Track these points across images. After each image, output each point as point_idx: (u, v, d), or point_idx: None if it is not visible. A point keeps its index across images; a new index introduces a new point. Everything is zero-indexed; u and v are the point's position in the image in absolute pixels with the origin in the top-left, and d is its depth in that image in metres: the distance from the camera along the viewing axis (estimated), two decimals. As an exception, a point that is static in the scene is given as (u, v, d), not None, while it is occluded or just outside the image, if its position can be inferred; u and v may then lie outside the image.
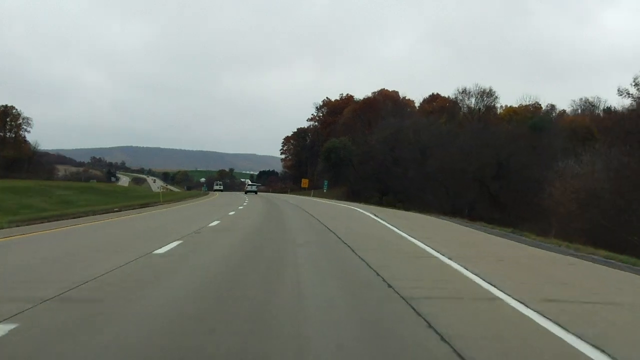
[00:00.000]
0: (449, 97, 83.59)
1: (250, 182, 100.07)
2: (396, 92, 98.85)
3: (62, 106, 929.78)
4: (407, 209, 50.31)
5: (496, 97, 79.69)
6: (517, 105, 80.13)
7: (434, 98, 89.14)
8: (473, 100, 78.09)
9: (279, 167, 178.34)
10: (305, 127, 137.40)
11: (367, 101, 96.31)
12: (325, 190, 73.81)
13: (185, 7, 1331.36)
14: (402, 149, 65.55)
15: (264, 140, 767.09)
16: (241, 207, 28.51)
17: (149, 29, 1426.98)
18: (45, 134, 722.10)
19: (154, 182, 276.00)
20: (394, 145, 66.27)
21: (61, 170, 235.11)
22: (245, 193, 77.01)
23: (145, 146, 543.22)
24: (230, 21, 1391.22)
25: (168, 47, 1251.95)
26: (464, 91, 77.76)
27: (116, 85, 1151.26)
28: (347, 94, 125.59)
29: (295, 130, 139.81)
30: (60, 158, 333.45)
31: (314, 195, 75.33)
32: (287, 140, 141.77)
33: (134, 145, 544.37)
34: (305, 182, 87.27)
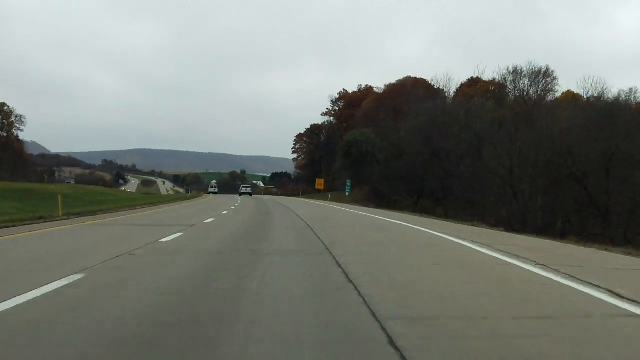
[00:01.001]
0: (494, 79, 67.09)
1: (244, 185, 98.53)
2: (424, 80, 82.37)
3: (76, 109, 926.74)
4: (452, 217, 34.47)
5: (555, 78, 63.17)
6: (577, 91, 63.21)
7: (475, 81, 72.65)
8: (526, 81, 61.55)
9: (292, 170, 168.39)
10: (320, 123, 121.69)
11: (392, 88, 79.97)
12: (348, 193, 57.29)
13: (197, 8, 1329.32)
14: (446, 138, 49.35)
15: (277, 143, 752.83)
16: (176, 236, 12.27)
17: (160, 30, 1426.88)
18: (58, 136, 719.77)
19: (164, 184, 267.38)
20: (432, 134, 50.14)
21: (66, 172, 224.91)
22: (240, 195, 72.36)
23: (159, 149, 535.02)
24: (242, 22, 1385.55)
25: (182, 48, 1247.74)
26: (515, 71, 61.32)
27: (130, 88, 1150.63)
28: (367, 85, 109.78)
29: (309, 127, 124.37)
30: (71, 160, 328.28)
31: (331, 199, 59.38)
32: (299, 137, 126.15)
33: (148, 148, 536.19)
34: (320, 183, 70.83)
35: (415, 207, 55.20)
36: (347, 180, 58.58)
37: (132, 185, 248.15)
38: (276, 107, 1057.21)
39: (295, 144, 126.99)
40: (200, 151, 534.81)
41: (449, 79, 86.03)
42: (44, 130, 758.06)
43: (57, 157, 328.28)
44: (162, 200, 46.13)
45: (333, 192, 70.90)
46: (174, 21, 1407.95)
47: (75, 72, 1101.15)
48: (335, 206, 40.11)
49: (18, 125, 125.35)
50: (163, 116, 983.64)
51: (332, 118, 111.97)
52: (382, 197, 62.52)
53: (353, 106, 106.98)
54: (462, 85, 73.14)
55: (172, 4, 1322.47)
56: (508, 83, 63.43)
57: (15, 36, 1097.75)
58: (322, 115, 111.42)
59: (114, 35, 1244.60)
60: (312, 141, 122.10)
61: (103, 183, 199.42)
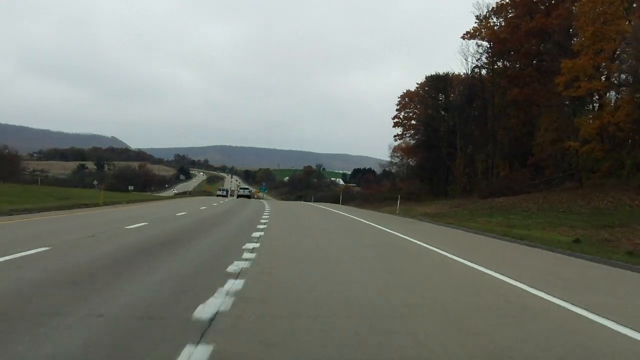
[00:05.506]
0: None
1: (241, 187, 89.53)
2: None
3: (160, 108, 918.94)
4: None
5: None
6: None
7: None
8: None
9: (374, 166, 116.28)
10: (442, 73, 60.05)
11: None
12: None
13: (277, 6, 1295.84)
14: None
15: (357, 141, 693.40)
16: None
17: (244, 30, 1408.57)
18: (141, 133, 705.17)
19: (231, 179, 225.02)
20: None
21: (116, 165, 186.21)
22: (237, 197, 66.64)
23: (239, 146, 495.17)
24: (323, 19, 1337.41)
25: (266, 48, 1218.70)
26: None
27: (213, 86, 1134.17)
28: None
29: (424, 79, 63.60)
30: (140, 155, 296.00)
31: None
32: (407, 98, 65.60)
33: (228, 144, 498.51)
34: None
35: None
36: None
37: (193, 182, 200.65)
38: (356, 107, 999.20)
39: (398, 111, 66.31)
40: (280, 148, 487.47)
41: None
42: (128, 128, 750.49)
43: (126, 150, 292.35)
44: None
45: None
46: (259, 22, 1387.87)
47: (162, 72, 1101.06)
48: None
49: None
50: (245, 114, 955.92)
51: (485, 43, 49.98)
52: None
53: (531, 13, 46.09)
54: None
55: (256, 5, 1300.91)
56: None
57: (102, 39, 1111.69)
58: (463, 37, 49.77)
59: (200, 36, 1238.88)
60: (433, 103, 61.57)
61: (151, 178, 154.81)
